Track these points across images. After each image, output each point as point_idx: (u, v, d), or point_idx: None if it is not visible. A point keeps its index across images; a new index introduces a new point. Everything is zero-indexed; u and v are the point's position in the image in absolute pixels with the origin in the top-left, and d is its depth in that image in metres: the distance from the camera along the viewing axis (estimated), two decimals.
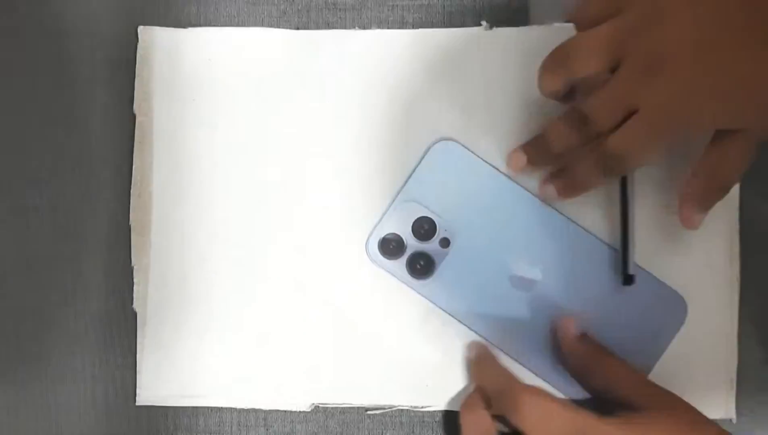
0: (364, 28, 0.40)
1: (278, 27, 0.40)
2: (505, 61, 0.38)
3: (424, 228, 0.38)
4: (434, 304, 0.38)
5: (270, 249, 0.39)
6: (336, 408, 0.39)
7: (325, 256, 0.39)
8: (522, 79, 0.38)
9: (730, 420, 0.37)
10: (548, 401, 0.33)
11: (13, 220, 0.40)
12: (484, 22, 0.38)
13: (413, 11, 0.39)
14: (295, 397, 0.39)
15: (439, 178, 0.38)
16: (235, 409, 0.39)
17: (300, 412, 0.39)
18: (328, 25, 0.40)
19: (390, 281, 0.38)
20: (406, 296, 0.38)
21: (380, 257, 0.38)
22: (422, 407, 0.38)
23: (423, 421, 0.39)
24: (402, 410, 0.39)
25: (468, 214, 0.38)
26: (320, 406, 0.39)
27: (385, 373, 0.38)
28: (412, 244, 0.38)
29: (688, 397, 0.36)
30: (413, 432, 0.39)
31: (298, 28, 0.40)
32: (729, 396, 0.37)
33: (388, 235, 0.38)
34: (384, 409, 0.39)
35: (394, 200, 0.38)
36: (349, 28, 0.40)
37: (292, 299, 0.39)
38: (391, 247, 0.38)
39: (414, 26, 0.40)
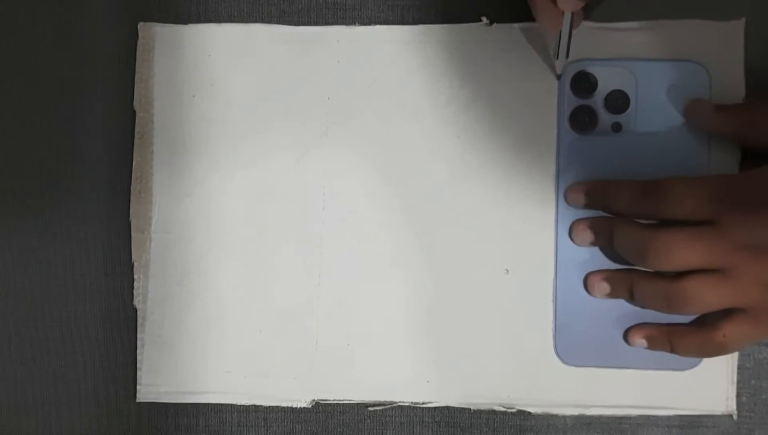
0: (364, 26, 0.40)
1: None
2: (505, 56, 0.38)
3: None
4: None
5: (269, 245, 0.39)
6: (336, 407, 0.39)
7: (324, 252, 0.39)
8: (523, 74, 0.38)
9: (731, 416, 0.37)
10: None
11: (13, 219, 0.40)
12: (484, 18, 0.39)
13: (413, 10, 0.40)
14: (295, 393, 0.39)
15: None
16: (235, 408, 0.39)
17: (300, 411, 0.39)
18: (328, 25, 0.40)
19: (388, 274, 0.38)
20: (405, 291, 0.38)
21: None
22: (423, 404, 0.38)
23: (423, 421, 0.39)
24: (402, 408, 0.39)
25: None
26: (320, 402, 0.39)
27: (385, 369, 0.38)
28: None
29: (688, 395, 0.37)
30: (413, 432, 0.39)
31: None
32: (730, 392, 0.37)
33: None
34: (384, 405, 0.39)
35: None
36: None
37: (292, 295, 0.39)
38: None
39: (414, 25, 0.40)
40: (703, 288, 0.33)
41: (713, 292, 0.33)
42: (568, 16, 0.34)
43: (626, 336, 0.37)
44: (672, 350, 0.36)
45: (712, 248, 0.32)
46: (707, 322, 0.35)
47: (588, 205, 0.37)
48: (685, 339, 0.35)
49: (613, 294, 0.37)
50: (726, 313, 0.34)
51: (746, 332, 0.33)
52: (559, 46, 0.35)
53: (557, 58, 0.36)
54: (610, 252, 0.37)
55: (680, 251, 0.33)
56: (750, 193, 0.32)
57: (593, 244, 0.37)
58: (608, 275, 0.37)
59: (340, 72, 0.39)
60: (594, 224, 0.37)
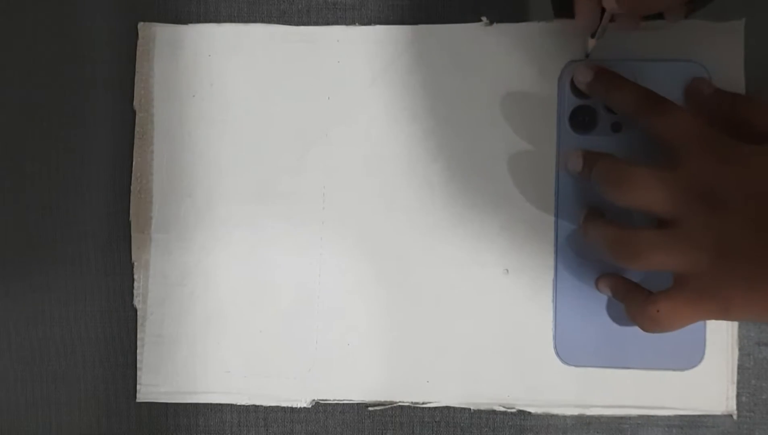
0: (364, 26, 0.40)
1: None
2: (505, 56, 0.38)
3: None
4: None
5: (270, 245, 0.39)
6: (336, 407, 0.39)
7: (324, 252, 0.39)
8: (522, 74, 0.38)
9: (731, 416, 0.37)
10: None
11: (13, 218, 0.40)
12: (484, 18, 0.39)
13: (413, 10, 0.39)
14: (295, 393, 0.39)
15: None
16: (235, 408, 0.39)
17: (300, 411, 0.39)
18: (328, 25, 0.40)
19: (388, 274, 0.38)
20: (405, 291, 0.38)
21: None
22: (423, 404, 0.38)
23: (423, 421, 0.39)
24: (402, 408, 0.39)
25: None
26: (320, 402, 0.39)
27: (385, 369, 0.38)
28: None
29: (688, 395, 0.37)
30: (413, 432, 0.39)
31: None
32: (730, 392, 0.37)
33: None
34: (384, 405, 0.39)
35: None
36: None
37: (292, 295, 0.39)
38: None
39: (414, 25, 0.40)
40: (650, 241, 0.32)
41: (659, 248, 0.32)
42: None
43: (597, 282, 0.37)
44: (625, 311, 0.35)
45: (670, 189, 0.32)
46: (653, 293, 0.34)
47: (591, 87, 0.37)
48: (629, 302, 0.35)
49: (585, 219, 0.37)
50: (668, 288, 0.33)
51: (682, 312, 0.32)
52: (597, 30, 0.35)
53: (592, 38, 0.36)
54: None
55: (641, 187, 0.32)
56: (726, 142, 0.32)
57: (581, 174, 0.36)
58: (584, 219, 0.37)
59: (340, 72, 0.39)
60: (586, 155, 0.36)
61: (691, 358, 0.37)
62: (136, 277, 0.39)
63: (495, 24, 0.39)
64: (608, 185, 0.33)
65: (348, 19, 0.40)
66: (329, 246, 0.39)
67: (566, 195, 0.38)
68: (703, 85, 0.36)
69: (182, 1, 0.40)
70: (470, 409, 0.38)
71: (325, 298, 0.39)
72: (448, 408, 0.39)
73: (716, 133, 0.32)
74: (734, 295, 0.31)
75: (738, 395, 0.37)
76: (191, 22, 0.40)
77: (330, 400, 0.39)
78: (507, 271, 0.38)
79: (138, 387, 0.39)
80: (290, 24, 0.40)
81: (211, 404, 0.39)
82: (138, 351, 0.39)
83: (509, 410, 0.38)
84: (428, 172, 0.39)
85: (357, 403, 0.39)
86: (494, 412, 0.38)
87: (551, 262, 0.38)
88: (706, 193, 0.31)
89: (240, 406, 0.39)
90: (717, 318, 0.32)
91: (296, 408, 0.39)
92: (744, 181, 0.31)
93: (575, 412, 0.38)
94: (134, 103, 0.40)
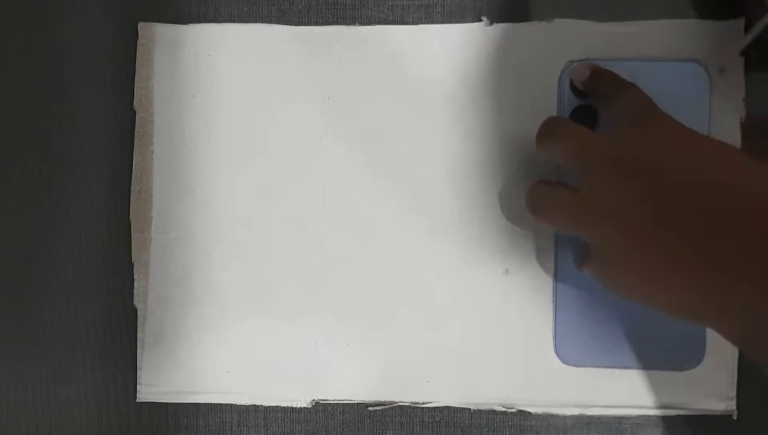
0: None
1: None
2: (505, 56, 0.38)
3: None
4: None
5: (270, 245, 0.39)
6: (336, 407, 0.39)
7: (324, 252, 0.39)
8: (523, 74, 0.38)
9: (731, 415, 0.37)
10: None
11: (12, 218, 0.40)
12: (484, 18, 0.39)
13: (413, 11, 0.39)
14: (295, 393, 0.39)
15: None
16: (235, 408, 0.39)
17: (300, 412, 0.39)
18: (328, 25, 0.40)
19: (388, 274, 0.38)
20: (405, 291, 0.38)
21: None
22: (423, 404, 0.38)
23: (423, 421, 0.39)
24: (402, 408, 0.39)
25: None
26: (320, 402, 0.39)
27: (385, 369, 0.38)
28: None
29: (688, 395, 0.36)
30: (413, 432, 0.39)
31: None
32: (730, 392, 0.37)
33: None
34: (384, 405, 0.39)
35: None
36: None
37: (292, 295, 0.39)
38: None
39: (414, 25, 0.40)
40: (551, 196, 0.33)
41: (558, 205, 0.33)
42: None
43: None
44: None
45: (580, 144, 0.32)
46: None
47: (586, 85, 0.37)
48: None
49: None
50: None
51: (600, 279, 0.32)
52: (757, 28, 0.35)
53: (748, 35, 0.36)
54: None
55: (558, 137, 0.33)
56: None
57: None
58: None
59: (340, 72, 0.39)
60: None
61: (691, 358, 0.37)
62: (136, 277, 0.39)
63: (495, 24, 0.39)
64: (538, 139, 0.34)
65: (348, 19, 0.40)
66: (329, 246, 0.39)
67: None
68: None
69: (182, 1, 0.40)
70: (470, 409, 0.38)
71: (325, 298, 0.39)
72: (448, 408, 0.39)
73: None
74: (628, 271, 0.31)
75: (738, 395, 0.37)
76: (191, 22, 0.40)
77: (330, 400, 0.39)
78: (507, 271, 0.38)
79: (138, 387, 0.39)
80: (290, 24, 0.40)
81: (211, 404, 0.39)
82: (138, 351, 0.39)
83: (509, 410, 0.38)
84: (428, 172, 0.39)
85: (357, 403, 0.39)
86: (494, 412, 0.38)
87: (551, 262, 0.38)
88: (614, 157, 0.31)
89: (240, 406, 0.39)
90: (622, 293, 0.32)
91: (296, 408, 0.39)
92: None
93: (575, 412, 0.38)
94: (134, 103, 0.40)
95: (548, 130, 0.34)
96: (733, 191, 0.28)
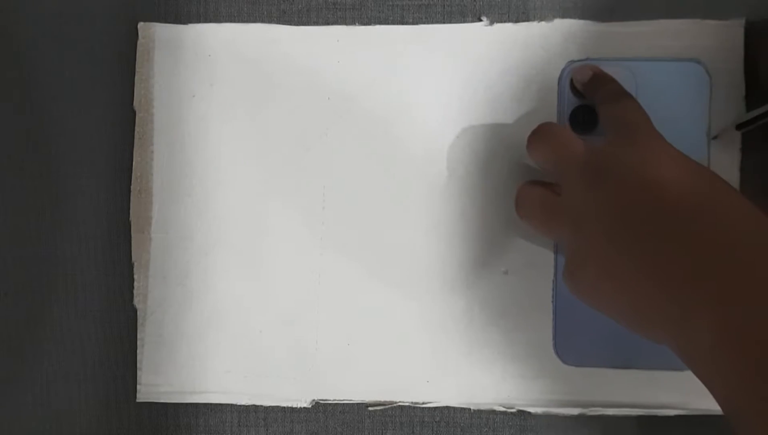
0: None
1: None
2: (505, 56, 0.38)
3: None
4: None
5: (270, 245, 0.39)
6: (336, 407, 0.39)
7: (324, 252, 0.39)
8: (523, 74, 0.38)
9: None
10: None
11: (12, 218, 0.40)
12: (484, 18, 0.39)
13: (413, 11, 0.39)
14: (295, 393, 0.39)
15: None
16: (235, 408, 0.39)
17: (300, 411, 0.39)
18: (328, 25, 0.40)
19: (388, 274, 0.38)
20: (405, 291, 0.38)
21: None
22: (423, 404, 0.38)
23: (423, 421, 0.39)
24: (402, 408, 0.39)
25: None
26: (320, 402, 0.39)
27: (385, 369, 0.38)
28: None
29: (688, 395, 0.36)
30: (413, 432, 0.39)
31: None
32: None
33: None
34: (384, 405, 0.39)
35: None
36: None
37: (292, 295, 0.39)
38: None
39: (414, 25, 0.40)
40: (533, 197, 0.33)
41: (538, 206, 0.33)
42: None
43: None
44: None
45: (563, 150, 0.32)
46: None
47: (586, 88, 0.37)
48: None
49: None
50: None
51: (567, 284, 0.32)
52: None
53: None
54: None
55: (544, 143, 0.34)
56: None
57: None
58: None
59: (340, 72, 0.39)
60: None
61: None
62: (135, 277, 0.39)
63: (495, 24, 0.39)
64: (530, 135, 0.35)
65: (348, 19, 0.40)
66: (329, 246, 0.39)
67: None
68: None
69: (182, 1, 0.40)
70: (470, 409, 0.38)
71: (325, 298, 0.39)
72: (448, 408, 0.39)
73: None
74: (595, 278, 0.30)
75: None
76: (191, 22, 0.40)
77: (330, 400, 0.39)
78: (507, 271, 0.38)
79: (138, 387, 0.39)
80: (290, 24, 0.40)
81: (211, 404, 0.39)
82: (138, 351, 0.39)
83: (509, 410, 0.38)
84: (428, 172, 0.39)
85: (357, 403, 0.39)
86: (494, 412, 0.38)
87: (551, 262, 0.38)
88: (593, 169, 0.31)
89: (240, 406, 0.39)
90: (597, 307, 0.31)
91: (296, 408, 0.39)
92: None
93: (575, 412, 0.38)
94: (134, 103, 0.40)
95: (537, 136, 0.34)
96: (688, 217, 0.27)
